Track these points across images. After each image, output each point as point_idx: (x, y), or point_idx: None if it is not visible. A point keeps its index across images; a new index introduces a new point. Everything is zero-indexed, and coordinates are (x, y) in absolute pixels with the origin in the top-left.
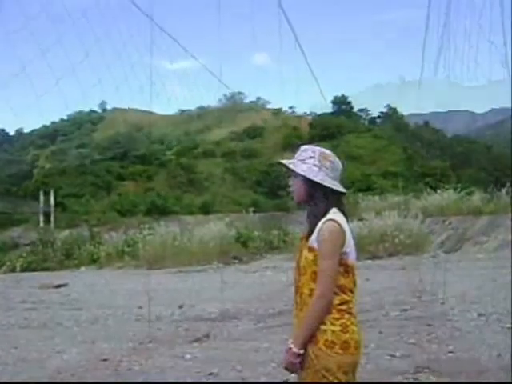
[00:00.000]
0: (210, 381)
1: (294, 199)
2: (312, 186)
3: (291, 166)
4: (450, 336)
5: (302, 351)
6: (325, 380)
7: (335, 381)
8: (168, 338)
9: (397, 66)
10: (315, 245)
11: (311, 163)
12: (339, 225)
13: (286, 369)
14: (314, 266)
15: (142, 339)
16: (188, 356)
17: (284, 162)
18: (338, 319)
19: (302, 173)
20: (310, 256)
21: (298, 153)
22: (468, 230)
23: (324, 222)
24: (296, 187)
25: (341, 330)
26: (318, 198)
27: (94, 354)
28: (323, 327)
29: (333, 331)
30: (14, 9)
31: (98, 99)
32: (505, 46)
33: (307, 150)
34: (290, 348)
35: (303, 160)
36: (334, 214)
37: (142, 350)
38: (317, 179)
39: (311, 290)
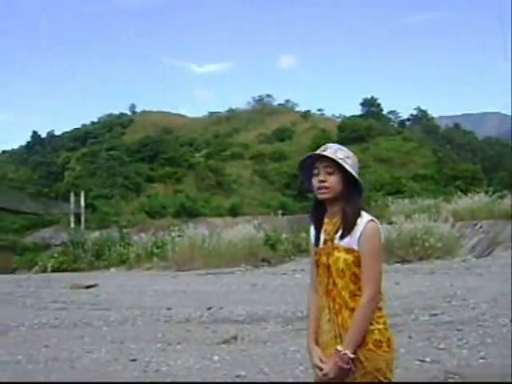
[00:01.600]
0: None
1: (325, 195)
2: (349, 185)
3: (342, 162)
4: (481, 342)
5: (354, 355)
6: (376, 381)
7: (385, 380)
8: (196, 339)
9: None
10: (355, 246)
11: (350, 163)
12: (379, 225)
13: (328, 378)
14: (354, 268)
15: (170, 340)
16: (216, 358)
17: (332, 156)
18: (380, 317)
19: (353, 173)
20: (350, 257)
21: (331, 150)
22: (499, 234)
23: (368, 223)
24: (332, 184)
25: (384, 328)
26: (354, 197)
27: (122, 355)
28: (371, 327)
29: (379, 330)
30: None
31: (128, 102)
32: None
33: (342, 150)
34: (345, 353)
35: (343, 159)
36: (366, 214)
37: (171, 351)
38: (359, 180)
39: (351, 292)
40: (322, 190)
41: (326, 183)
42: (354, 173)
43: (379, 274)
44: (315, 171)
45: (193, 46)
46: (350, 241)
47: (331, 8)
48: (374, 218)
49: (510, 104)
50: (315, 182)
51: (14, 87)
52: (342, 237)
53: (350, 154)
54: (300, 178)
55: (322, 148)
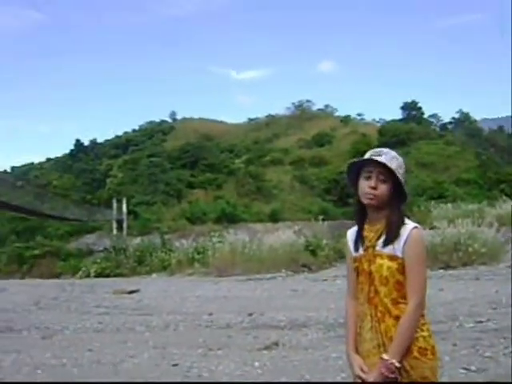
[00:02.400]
0: None
1: (372, 201)
2: (396, 193)
3: (397, 173)
4: None
5: (400, 364)
6: None
7: None
8: (237, 345)
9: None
10: (399, 253)
11: (401, 173)
12: (423, 232)
13: None
14: (398, 275)
15: (211, 346)
16: (257, 364)
17: (393, 167)
18: (424, 324)
19: (404, 185)
20: (394, 265)
21: (387, 157)
22: None
23: (412, 230)
24: (381, 192)
25: (428, 335)
26: (399, 205)
27: (164, 360)
28: (415, 335)
29: (423, 337)
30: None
31: (168, 109)
32: None
33: (397, 159)
34: (391, 363)
35: (397, 169)
36: (410, 221)
37: (212, 356)
38: (407, 193)
39: (393, 299)
40: (371, 196)
41: (376, 191)
42: (404, 185)
43: (425, 281)
44: (366, 174)
45: (232, 53)
46: (394, 248)
47: (368, 12)
48: (417, 225)
49: None
50: (364, 185)
51: (58, 96)
52: (385, 244)
53: (402, 162)
54: (347, 181)
55: (376, 152)
